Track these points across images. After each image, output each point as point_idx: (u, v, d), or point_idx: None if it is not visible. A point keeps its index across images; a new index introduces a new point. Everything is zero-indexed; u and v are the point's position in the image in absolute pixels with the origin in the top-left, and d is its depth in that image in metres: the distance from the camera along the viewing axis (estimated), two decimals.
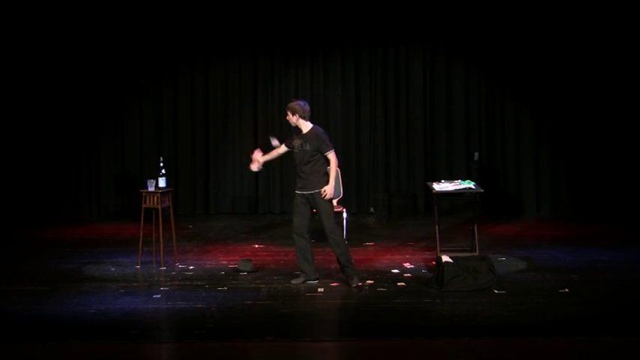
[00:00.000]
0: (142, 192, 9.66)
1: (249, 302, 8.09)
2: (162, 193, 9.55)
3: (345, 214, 10.54)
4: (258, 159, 8.97)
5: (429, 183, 10.48)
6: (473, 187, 9.95)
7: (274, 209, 13.46)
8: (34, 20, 13.03)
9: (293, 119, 8.68)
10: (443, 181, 10.27)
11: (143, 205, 9.63)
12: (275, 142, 8.98)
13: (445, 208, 12.79)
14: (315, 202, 8.66)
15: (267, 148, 9.07)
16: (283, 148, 8.93)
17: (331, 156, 8.63)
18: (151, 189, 9.55)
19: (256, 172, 13.28)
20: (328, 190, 8.59)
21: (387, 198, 13.49)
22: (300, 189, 8.71)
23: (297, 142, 8.71)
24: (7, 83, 13.10)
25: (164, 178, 9.62)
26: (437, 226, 9.82)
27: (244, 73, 13.50)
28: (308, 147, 8.62)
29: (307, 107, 8.73)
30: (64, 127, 13.28)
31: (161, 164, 9.66)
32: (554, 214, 13.14)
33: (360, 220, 12.83)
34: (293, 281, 8.80)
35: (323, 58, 13.47)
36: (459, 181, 10.11)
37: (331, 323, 7.63)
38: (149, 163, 13.05)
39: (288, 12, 13.25)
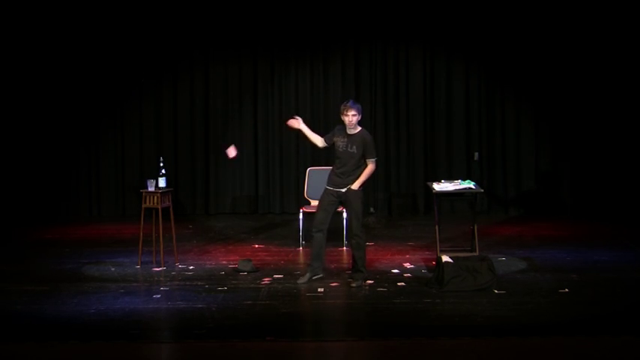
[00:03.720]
0: (142, 192, 9.66)
1: (249, 302, 8.09)
2: (162, 193, 9.55)
3: (345, 214, 10.53)
4: (301, 123, 8.98)
5: (429, 183, 10.48)
6: (473, 187, 9.96)
7: (274, 209, 13.46)
8: (34, 20, 13.02)
9: (353, 120, 8.71)
10: (443, 181, 10.27)
11: (143, 205, 9.63)
12: (232, 151, 9.12)
13: (445, 208, 12.79)
14: (348, 201, 8.71)
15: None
16: (321, 142, 8.97)
17: (372, 164, 8.74)
18: (151, 189, 9.55)
19: (255, 175, 13.46)
20: (354, 186, 8.67)
21: (387, 198, 13.49)
22: (334, 185, 8.76)
23: (341, 141, 8.75)
24: (8, 83, 13.10)
25: (164, 178, 9.62)
26: (437, 226, 9.83)
27: (244, 73, 13.49)
28: (354, 149, 8.69)
29: None
30: (64, 127, 13.28)
31: (161, 164, 9.66)
32: (554, 214, 13.13)
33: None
34: (299, 281, 8.81)
35: (323, 58, 13.47)
36: (459, 181, 10.11)
37: (331, 323, 7.63)
38: (149, 163, 13.05)
39: (289, 12, 13.24)
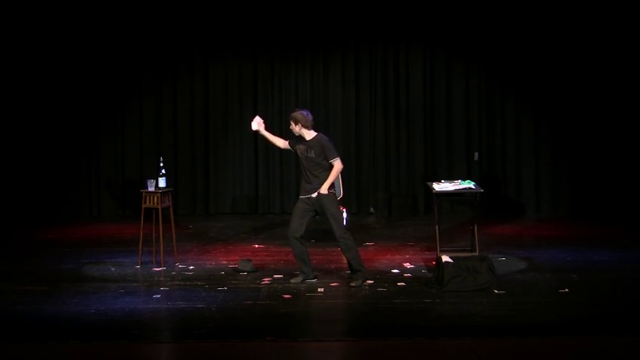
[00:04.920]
0: (142, 192, 9.66)
1: (249, 302, 8.09)
2: (162, 193, 9.55)
3: (345, 214, 10.53)
4: (262, 127, 8.97)
5: (429, 183, 10.48)
6: (473, 187, 9.95)
7: (274, 209, 13.46)
8: (34, 20, 13.03)
9: (296, 128, 8.75)
10: (443, 181, 10.27)
11: (143, 205, 9.63)
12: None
13: (445, 208, 12.79)
14: (322, 206, 8.69)
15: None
16: (285, 144, 8.99)
17: (336, 163, 8.70)
18: (151, 189, 9.55)
19: (255, 175, 13.46)
20: (321, 189, 8.63)
21: (387, 198, 13.49)
22: (306, 192, 8.74)
23: (301, 148, 8.77)
24: (8, 83, 13.10)
25: (164, 178, 9.62)
26: (437, 226, 9.82)
27: (244, 73, 13.50)
28: (312, 154, 8.69)
29: (310, 117, 8.81)
30: (64, 127, 13.28)
31: (161, 164, 9.66)
32: (554, 214, 13.14)
33: (360, 220, 12.82)
34: (292, 280, 8.82)
35: (323, 58, 13.48)
36: (459, 181, 10.11)
37: (331, 323, 7.62)
38: (149, 163, 13.05)
39: (289, 12, 13.25)
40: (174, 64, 13.46)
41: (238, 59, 13.47)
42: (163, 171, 9.63)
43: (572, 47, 13.05)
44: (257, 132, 9.10)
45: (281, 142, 9.06)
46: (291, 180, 13.38)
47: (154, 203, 9.55)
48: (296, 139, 8.87)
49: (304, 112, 8.79)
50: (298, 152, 8.81)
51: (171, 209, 9.76)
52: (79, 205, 13.46)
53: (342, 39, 13.42)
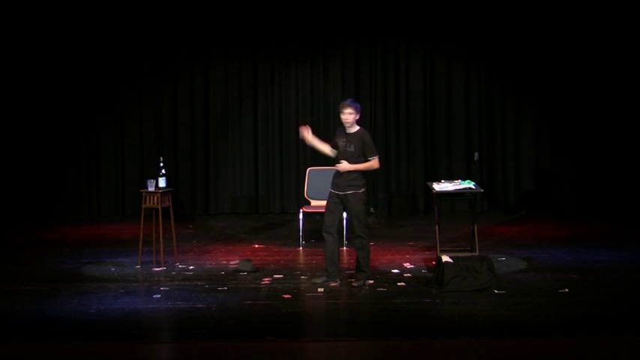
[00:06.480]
0: (142, 192, 9.66)
1: (249, 302, 8.09)
2: (163, 193, 9.55)
3: (345, 214, 10.52)
4: (309, 136, 8.87)
5: (429, 183, 10.49)
6: (473, 187, 9.96)
7: (274, 209, 13.46)
8: (34, 20, 13.03)
9: (350, 118, 8.71)
10: (443, 181, 10.27)
11: (143, 205, 9.63)
12: None
13: (445, 208, 12.79)
14: (349, 203, 8.72)
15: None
16: (330, 150, 8.91)
17: (374, 161, 8.72)
18: (151, 189, 9.55)
19: (255, 175, 13.46)
20: (345, 164, 8.60)
21: (387, 198, 13.49)
22: (335, 188, 8.76)
23: (341, 141, 8.75)
24: (7, 83, 13.10)
25: (164, 178, 9.62)
26: (437, 226, 9.83)
27: (244, 73, 13.49)
28: (352, 148, 8.68)
29: None
30: (64, 127, 13.28)
31: (161, 164, 9.66)
32: (554, 214, 13.13)
33: None
34: (313, 280, 8.81)
35: (323, 57, 13.48)
36: (459, 181, 10.11)
37: (331, 323, 7.63)
38: (149, 163, 13.05)
39: (289, 12, 13.25)
40: (174, 64, 13.46)
41: (238, 59, 13.47)
42: (163, 171, 9.63)
43: (572, 47, 13.06)
44: (304, 140, 8.97)
45: (327, 148, 8.96)
46: (291, 180, 13.39)
47: (153, 203, 9.55)
48: (336, 135, 8.83)
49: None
50: (339, 146, 8.78)
51: (171, 209, 9.76)
52: (79, 205, 13.46)
53: (342, 39, 13.42)
